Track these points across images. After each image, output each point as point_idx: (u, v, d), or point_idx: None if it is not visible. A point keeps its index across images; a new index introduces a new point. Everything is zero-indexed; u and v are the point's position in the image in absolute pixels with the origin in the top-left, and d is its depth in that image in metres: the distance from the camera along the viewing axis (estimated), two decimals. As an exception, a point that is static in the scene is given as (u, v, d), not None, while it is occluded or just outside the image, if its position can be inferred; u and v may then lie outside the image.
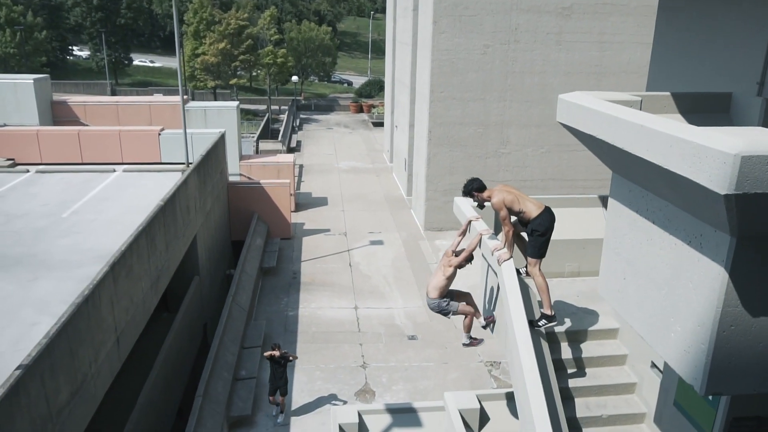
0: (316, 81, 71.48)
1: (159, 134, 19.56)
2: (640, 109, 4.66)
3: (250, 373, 13.10)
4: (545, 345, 6.11)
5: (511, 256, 6.86)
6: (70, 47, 74.94)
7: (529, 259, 6.92)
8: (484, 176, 22.70)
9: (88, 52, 72.17)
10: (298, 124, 42.54)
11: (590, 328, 7.31)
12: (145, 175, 17.87)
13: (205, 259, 16.56)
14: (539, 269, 6.81)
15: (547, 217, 6.89)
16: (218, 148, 18.50)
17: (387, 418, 11.21)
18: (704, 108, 5.62)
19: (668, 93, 5.63)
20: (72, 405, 8.03)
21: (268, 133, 37.11)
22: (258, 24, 55.74)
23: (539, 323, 6.75)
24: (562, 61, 20.99)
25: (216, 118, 22.49)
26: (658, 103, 5.42)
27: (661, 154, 3.58)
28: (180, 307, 14.18)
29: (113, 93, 51.60)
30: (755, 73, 5.62)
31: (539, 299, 6.86)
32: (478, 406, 9.21)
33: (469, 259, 7.45)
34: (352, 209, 24.84)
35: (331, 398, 12.89)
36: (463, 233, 7.81)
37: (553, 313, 6.71)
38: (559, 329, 7.10)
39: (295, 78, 50.53)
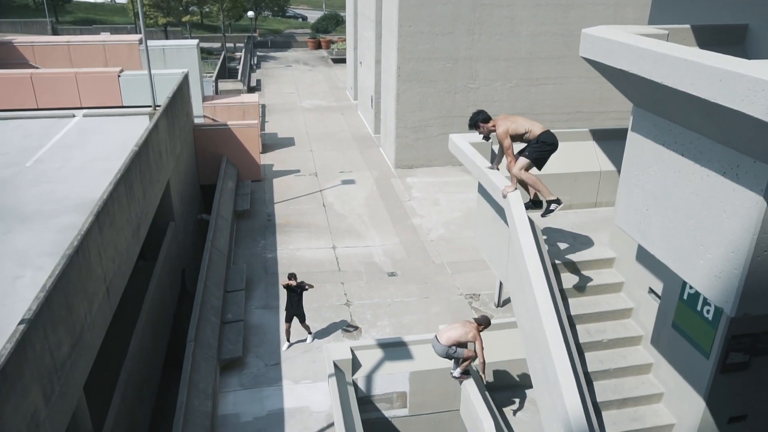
0: (270, 16, 68.82)
1: (118, 76, 18.68)
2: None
3: (236, 317, 13.16)
4: (552, 275, 6.32)
5: (516, 189, 6.97)
6: (0, -18, 69.50)
7: (522, 160, 6.97)
8: (452, 112, 22.73)
9: (22, -13, 67.12)
10: (255, 62, 41.18)
11: (587, 259, 7.58)
12: (108, 120, 17.19)
13: (178, 205, 16.26)
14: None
15: (552, 134, 7.06)
16: (183, 89, 17.85)
17: (379, 353, 11.53)
18: (720, 40, 5.70)
19: (688, 26, 5.66)
20: (73, 357, 7.97)
21: (226, 73, 35.85)
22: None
23: (551, 209, 6.87)
24: (531, -8, 20.75)
25: (175, 58, 21.56)
26: (678, 36, 5.45)
27: (708, 88, 3.65)
28: (159, 254, 14.00)
29: (55, 32, 48.60)
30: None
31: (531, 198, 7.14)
32: (473, 337, 9.52)
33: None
34: (320, 149, 24.56)
35: (318, 336, 13.10)
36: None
37: (556, 197, 6.87)
38: (557, 260, 7.33)
39: (250, 13, 48.43)
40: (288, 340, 12.51)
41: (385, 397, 11.50)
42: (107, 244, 9.82)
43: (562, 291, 7.04)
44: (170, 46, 21.78)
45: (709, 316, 6.05)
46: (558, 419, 5.84)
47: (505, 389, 10.06)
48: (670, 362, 6.80)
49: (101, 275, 9.43)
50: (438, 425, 11.99)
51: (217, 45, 48.41)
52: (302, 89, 34.90)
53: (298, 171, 22.23)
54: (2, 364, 6.00)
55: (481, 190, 7.83)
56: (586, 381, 6.44)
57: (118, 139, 16.10)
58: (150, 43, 22.20)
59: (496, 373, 9.72)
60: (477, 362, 8.73)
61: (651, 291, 7.01)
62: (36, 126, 16.68)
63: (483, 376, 8.82)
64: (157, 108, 16.18)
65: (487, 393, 8.63)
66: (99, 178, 14.04)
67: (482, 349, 8.17)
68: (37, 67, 20.45)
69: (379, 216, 18.90)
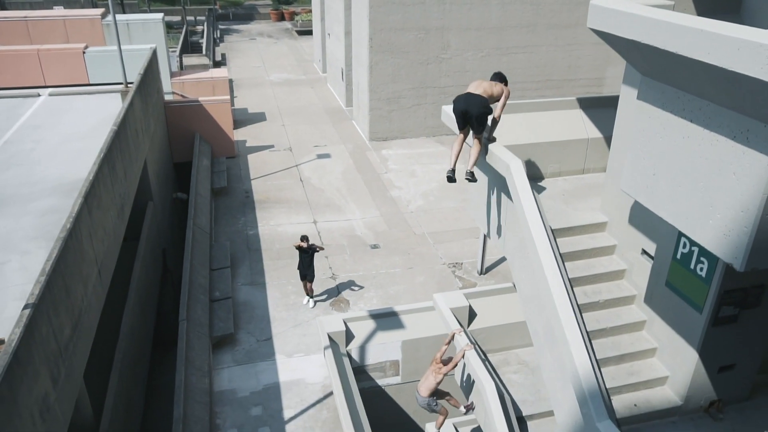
0: (228, -13, 66.92)
1: (83, 52, 18.10)
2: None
3: (224, 294, 13.17)
4: (552, 241, 6.55)
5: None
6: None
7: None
8: (425, 82, 22.80)
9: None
10: (218, 36, 40.22)
11: (581, 224, 7.86)
12: (76, 99, 16.68)
13: (155, 184, 16.01)
14: None
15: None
16: (153, 65, 17.41)
17: (371, 324, 11.76)
18: (717, 9, 5.91)
19: (690, -5, 5.87)
20: (74, 340, 7.93)
21: (188, 47, 34.93)
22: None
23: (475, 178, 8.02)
24: (500, -39, 20.78)
25: (141, 33, 20.94)
26: (680, 6, 5.62)
27: (726, 57, 3.84)
28: (141, 235, 13.83)
29: (2, 6, 46.36)
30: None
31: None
32: (467, 304, 9.80)
33: (455, 366, 8.72)
34: (293, 123, 24.36)
35: (307, 310, 13.23)
36: (448, 343, 9.01)
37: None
38: (552, 226, 7.57)
39: (210, -15, 47.16)
40: (312, 297, 13.26)
41: (379, 366, 11.76)
42: (96, 225, 9.69)
43: (560, 255, 7.30)
44: (135, 21, 21.12)
45: (703, 274, 6.39)
46: (565, 377, 6.14)
47: (495, 353, 10.39)
48: (663, 319, 7.17)
49: (93, 257, 9.33)
50: (429, 391, 12.33)
51: (177, 18, 47.04)
52: (269, 63, 34.34)
53: (272, 146, 22.05)
54: (14, 348, 5.96)
55: (481, 162, 7.99)
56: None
57: (90, 118, 15.69)
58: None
59: (485, 338, 10.03)
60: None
61: (644, 252, 7.34)
62: (0, 106, 16.11)
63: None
64: (129, 85, 15.79)
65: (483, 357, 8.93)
66: (76, 159, 13.71)
67: (453, 368, 8.78)
68: (-6, 45, 19.60)
69: (357, 189, 18.97)
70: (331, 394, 10.96)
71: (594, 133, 8.79)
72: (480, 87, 8.01)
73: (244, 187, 18.93)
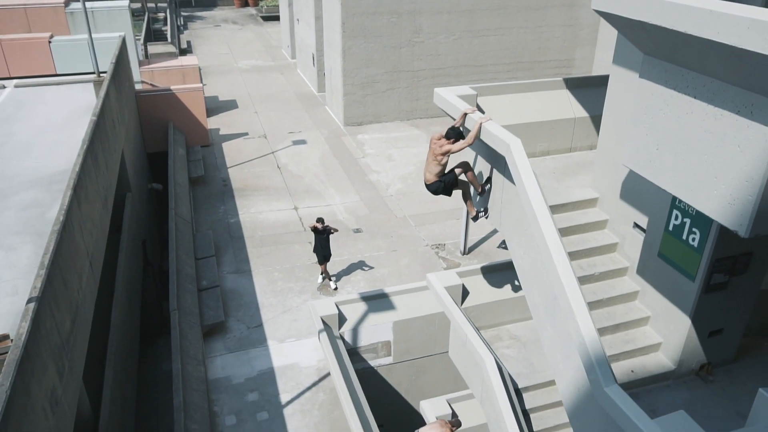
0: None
1: (49, 42, 17.59)
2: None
3: (211, 283, 13.13)
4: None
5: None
6: None
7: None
8: (398, 67, 22.80)
9: None
10: (182, 23, 39.38)
11: (573, 200, 8.11)
12: (45, 90, 16.24)
13: (132, 175, 15.77)
14: None
15: None
16: (123, 54, 17.05)
17: (362, 306, 11.89)
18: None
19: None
20: (74, 333, 7.87)
21: (152, 35, 34.14)
22: None
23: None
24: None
25: (106, 21, 20.43)
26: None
27: (735, 36, 4.05)
28: (122, 226, 13.64)
29: (-50, -4, 44.36)
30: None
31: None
32: (461, 282, 10.01)
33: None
34: (265, 110, 24.16)
35: (295, 296, 13.30)
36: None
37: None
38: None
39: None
40: (330, 279, 13.61)
41: (371, 347, 11.93)
42: (86, 217, 9.56)
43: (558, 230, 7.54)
44: (99, 8, 20.57)
45: (695, 244, 6.70)
46: (569, 346, 6.39)
47: (487, 329, 10.65)
48: (656, 288, 7.49)
49: (84, 250, 9.22)
50: (420, 370, 12.58)
51: (137, 5, 45.78)
52: (236, 49, 33.84)
53: (246, 134, 21.86)
54: (24, 342, 5.91)
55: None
56: (583, 311, 7.01)
57: (62, 109, 15.32)
58: (77, 5, 20.94)
59: (478, 315, 10.27)
60: None
61: (636, 226, 7.63)
62: (-35, 100, 15.60)
63: None
64: (101, 75, 15.46)
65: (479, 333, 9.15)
66: (52, 151, 13.41)
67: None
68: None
69: (335, 174, 19.00)
70: (326, 376, 11.10)
71: (580, 112, 9.04)
72: (429, 165, 8.01)
73: (221, 175, 18.77)
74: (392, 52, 21.49)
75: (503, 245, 15.23)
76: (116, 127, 14.15)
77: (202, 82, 27.01)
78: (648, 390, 7.37)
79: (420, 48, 21.83)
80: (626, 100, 6.86)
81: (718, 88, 4.67)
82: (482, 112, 8.28)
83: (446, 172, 7.99)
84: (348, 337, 11.64)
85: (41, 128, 14.06)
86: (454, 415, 9.69)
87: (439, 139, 7.76)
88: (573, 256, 7.67)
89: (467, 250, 15.07)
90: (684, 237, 6.82)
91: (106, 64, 15.33)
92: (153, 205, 18.72)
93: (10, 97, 16.12)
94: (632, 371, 7.38)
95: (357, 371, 11.65)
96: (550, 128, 8.93)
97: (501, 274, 10.68)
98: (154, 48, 29.20)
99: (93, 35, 17.94)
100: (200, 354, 11.12)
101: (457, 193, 8.44)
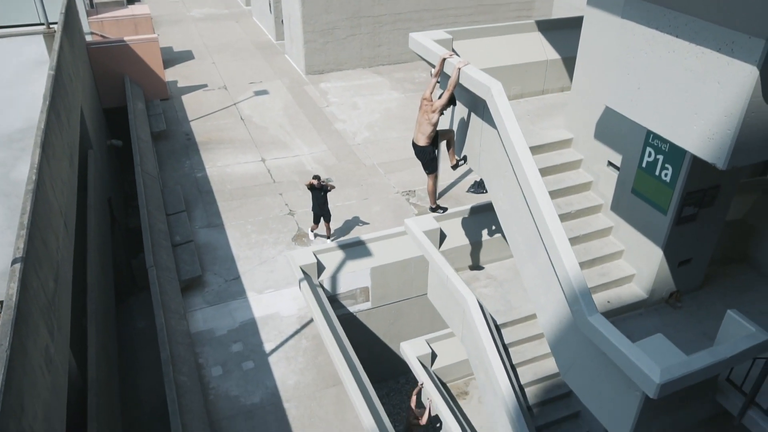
0: None
1: (-11, -8, 16.55)
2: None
3: (185, 238, 13.04)
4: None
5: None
6: None
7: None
8: (359, 12, 22.37)
9: None
10: (124, -32, 37.30)
11: (547, 142, 8.32)
12: (-10, 43, 15.42)
13: (92, 131, 15.28)
14: None
15: None
16: (72, 3, 16.20)
17: (340, 254, 12.07)
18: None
19: None
20: (58, 293, 7.80)
21: (93, -18, 32.30)
22: None
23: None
24: None
25: (47, -32, 19.22)
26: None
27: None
28: (87, 185, 13.32)
29: None
30: None
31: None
32: (438, 227, 10.24)
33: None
34: (223, 60, 23.49)
35: (270, 247, 13.34)
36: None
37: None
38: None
39: None
40: (312, 238, 13.35)
41: (350, 294, 12.18)
42: (55, 176, 9.32)
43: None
44: (40, -45, 19.33)
45: (667, 179, 7.02)
46: (550, 282, 6.70)
47: (465, 270, 10.98)
48: (629, 223, 7.85)
49: (58, 209, 9.03)
50: (398, 313, 12.94)
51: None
52: (185, -3, 32.47)
53: (206, 85, 21.29)
54: (16, 302, 5.87)
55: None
56: (562, 248, 7.33)
57: (9, 63, 14.63)
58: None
59: (455, 257, 10.56)
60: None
61: (610, 164, 7.91)
62: None
63: None
64: (51, 26, 14.72)
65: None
66: (7, 109, 12.91)
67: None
68: None
69: (301, 125, 18.80)
70: (308, 324, 11.30)
71: (552, 54, 9.15)
72: (420, 125, 8.08)
73: (184, 129, 18.35)
74: (352, -3, 21.04)
75: (472, 189, 15.52)
76: (73, 81, 13.61)
77: (154, 32, 25.97)
78: (622, 319, 7.81)
79: (380, -8, 21.42)
80: (605, 42, 7.01)
81: (699, 26, 4.84)
82: (458, 56, 8.29)
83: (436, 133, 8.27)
84: (327, 285, 11.84)
85: (-9, 85, 13.46)
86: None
87: (429, 98, 7.91)
88: (550, 195, 7.92)
89: (438, 196, 15.28)
90: (657, 173, 7.13)
91: (52, 14, 14.59)
92: (113, 162, 18.24)
93: (-49, 52, 15.27)
94: (608, 302, 7.79)
95: (337, 317, 11.91)
96: (523, 71, 9.03)
97: (474, 217, 10.95)
98: (99, -4, 27.75)
99: (36, -16, 16.99)
100: (181, 308, 11.15)
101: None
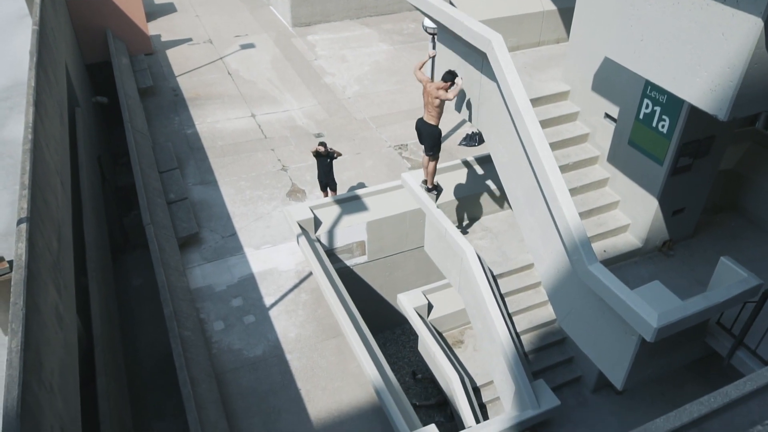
0: None
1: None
2: None
3: (179, 195, 13.03)
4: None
5: None
6: None
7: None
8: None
9: None
10: None
11: (545, 94, 8.35)
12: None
13: (77, 88, 14.99)
14: None
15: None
16: (49, -46, 15.62)
17: (336, 209, 12.15)
18: None
19: None
20: (61, 252, 7.85)
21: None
22: None
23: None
24: None
25: None
26: None
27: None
28: (77, 143, 13.16)
29: None
30: None
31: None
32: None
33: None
34: (207, 13, 22.92)
35: (265, 203, 13.37)
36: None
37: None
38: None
39: None
40: None
41: (346, 248, 12.32)
42: (49, 135, 9.23)
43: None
44: None
45: (664, 130, 7.13)
46: (549, 232, 6.87)
47: (457, 223, 11.13)
48: (626, 174, 7.99)
49: (54, 168, 8.98)
50: (394, 266, 13.15)
51: None
52: (162, -54, 31.31)
53: (190, 39, 20.83)
54: (26, 262, 5.92)
55: (446, 39, 8.14)
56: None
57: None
58: None
59: (451, 210, 10.70)
60: None
61: (607, 116, 7.99)
62: None
63: None
64: (30, -21, 14.19)
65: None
66: (-10, 66, 12.55)
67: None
68: None
69: (290, 79, 18.56)
70: (306, 278, 11.47)
71: (549, 5, 9.09)
72: (428, 111, 8.43)
73: (171, 85, 18.05)
74: (338, -55, 20.49)
75: (464, 142, 15.56)
76: (56, 36, 13.29)
77: (132, -17, 25.15)
78: (618, 267, 8.05)
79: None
80: (606, -8, 6.99)
81: (706, -22, 4.88)
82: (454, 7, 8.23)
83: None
84: (324, 240, 11.96)
85: (-29, 41, 13.05)
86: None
87: (435, 85, 8.27)
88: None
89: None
90: (654, 124, 7.23)
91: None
92: (99, 119, 17.96)
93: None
94: (605, 251, 8.01)
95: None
96: (519, 22, 8.98)
97: (469, 170, 11.04)
98: (74, -54, 26.70)
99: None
100: (180, 265, 11.25)
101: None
